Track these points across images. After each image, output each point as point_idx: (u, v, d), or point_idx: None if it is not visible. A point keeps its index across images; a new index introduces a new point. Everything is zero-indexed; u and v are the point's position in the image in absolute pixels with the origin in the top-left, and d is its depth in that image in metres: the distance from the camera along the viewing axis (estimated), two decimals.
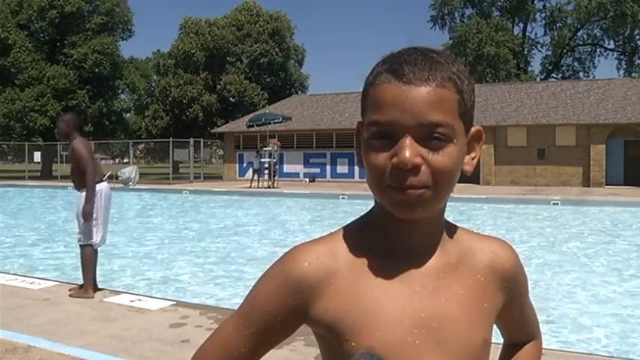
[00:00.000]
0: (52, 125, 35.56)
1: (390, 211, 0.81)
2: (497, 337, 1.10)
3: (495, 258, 0.89)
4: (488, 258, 0.89)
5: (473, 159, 0.86)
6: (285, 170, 29.15)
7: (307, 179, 28.33)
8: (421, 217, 0.81)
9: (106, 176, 6.10)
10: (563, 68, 48.36)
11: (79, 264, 5.66)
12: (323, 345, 0.86)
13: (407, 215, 0.80)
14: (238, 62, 44.03)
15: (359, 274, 0.83)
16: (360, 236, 0.86)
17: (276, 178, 23.74)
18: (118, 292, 5.75)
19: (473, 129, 0.85)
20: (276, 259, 0.88)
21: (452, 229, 0.89)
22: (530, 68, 49.33)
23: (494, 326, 1.01)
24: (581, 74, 46.81)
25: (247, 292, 0.89)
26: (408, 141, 0.76)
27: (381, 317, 0.80)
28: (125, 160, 52.16)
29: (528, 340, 1.03)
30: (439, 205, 0.82)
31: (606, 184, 23.68)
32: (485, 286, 0.87)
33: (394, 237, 0.84)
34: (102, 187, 5.60)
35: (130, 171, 25.41)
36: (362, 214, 0.90)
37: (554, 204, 16.49)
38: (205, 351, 0.90)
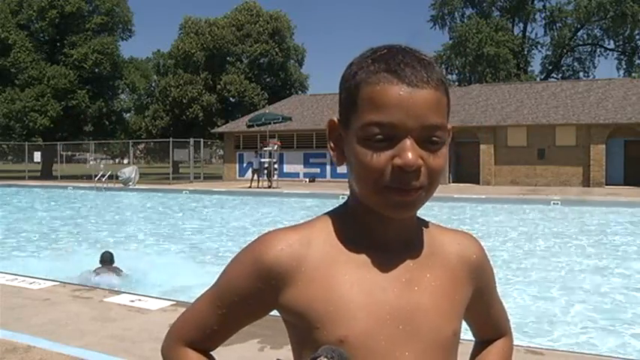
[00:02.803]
0: (52, 125, 35.59)
1: (381, 211, 0.81)
2: (468, 334, 1.10)
3: (462, 250, 0.91)
4: (456, 250, 0.91)
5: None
6: (285, 170, 29.14)
7: (307, 179, 28.32)
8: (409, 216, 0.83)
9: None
10: (563, 68, 48.33)
11: (79, 264, 6.41)
12: (293, 333, 0.87)
13: (401, 215, 0.81)
14: (238, 62, 44.02)
15: (332, 264, 0.83)
16: (335, 228, 0.87)
17: (273, 178, 23.72)
18: (118, 292, 5.76)
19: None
20: (249, 242, 0.88)
21: (423, 223, 0.92)
22: (530, 68, 49.33)
23: (466, 325, 1.02)
24: (581, 74, 46.78)
25: (221, 272, 0.90)
26: (410, 143, 0.77)
27: (353, 307, 0.81)
28: (125, 160, 52.10)
29: (498, 337, 1.04)
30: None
31: (606, 184, 23.66)
32: (455, 277, 0.89)
33: (370, 231, 0.85)
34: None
35: (130, 171, 25.41)
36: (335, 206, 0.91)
37: (554, 204, 16.50)
38: (180, 327, 0.92)
